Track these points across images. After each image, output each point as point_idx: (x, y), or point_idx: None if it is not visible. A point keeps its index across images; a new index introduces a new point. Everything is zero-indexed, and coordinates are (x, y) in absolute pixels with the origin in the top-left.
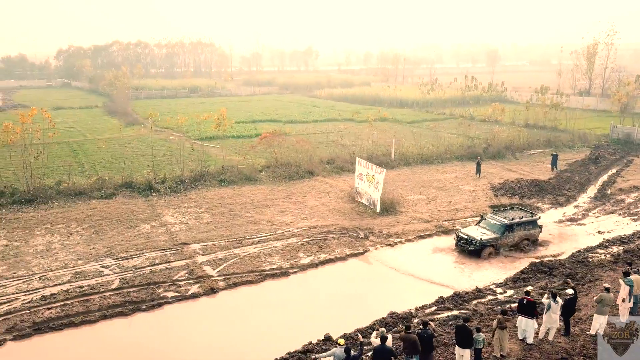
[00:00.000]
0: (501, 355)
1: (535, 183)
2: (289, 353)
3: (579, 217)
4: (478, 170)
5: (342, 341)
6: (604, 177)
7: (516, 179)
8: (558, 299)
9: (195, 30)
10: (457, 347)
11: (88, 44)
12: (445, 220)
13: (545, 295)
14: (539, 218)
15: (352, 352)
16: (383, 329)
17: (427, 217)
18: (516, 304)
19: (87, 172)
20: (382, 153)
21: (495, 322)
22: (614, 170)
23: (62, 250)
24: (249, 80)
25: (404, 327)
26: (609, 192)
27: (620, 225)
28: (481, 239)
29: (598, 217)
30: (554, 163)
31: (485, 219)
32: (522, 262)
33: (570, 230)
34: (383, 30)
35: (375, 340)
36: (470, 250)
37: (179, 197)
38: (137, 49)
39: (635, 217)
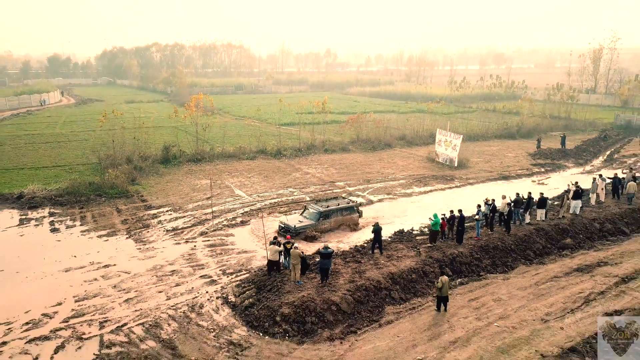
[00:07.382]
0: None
1: (561, 151)
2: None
3: (595, 170)
4: (538, 146)
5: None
6: (611, 149)
7: (547, 147)
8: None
9: (192, 35)
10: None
11: (97, 46)
12: (502, 172)
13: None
14: (358, 205)
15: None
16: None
17: (489, 169)
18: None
19: (217, 145)
20: None
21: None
22: (617, 145)
23: (254, 185)
24: (279, 79)
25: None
26: (615, 157)
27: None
28: (295, 226)
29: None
30: (562, 143)
31: (307, 209)
32: None
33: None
34: (391, 34)
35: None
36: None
37: (302, 159)
38: (174, 50)
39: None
